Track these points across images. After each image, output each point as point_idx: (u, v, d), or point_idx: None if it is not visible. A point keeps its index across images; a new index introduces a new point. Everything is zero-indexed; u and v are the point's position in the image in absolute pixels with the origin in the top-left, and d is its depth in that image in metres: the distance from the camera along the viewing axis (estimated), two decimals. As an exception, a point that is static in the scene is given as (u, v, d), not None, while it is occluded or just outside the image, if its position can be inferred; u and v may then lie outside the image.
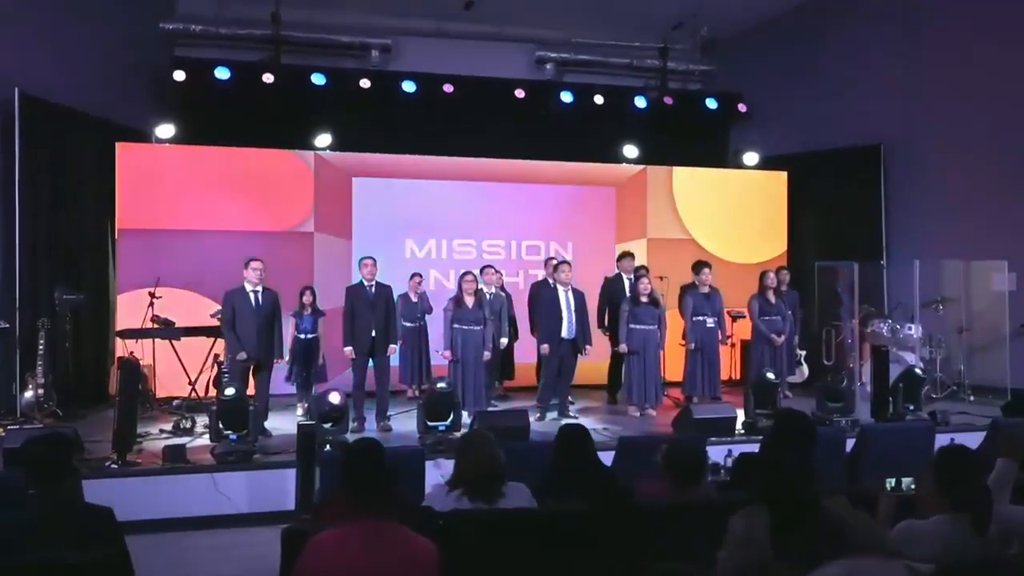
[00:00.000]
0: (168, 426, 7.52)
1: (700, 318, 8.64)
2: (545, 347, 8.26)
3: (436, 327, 8.93)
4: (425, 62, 11.40)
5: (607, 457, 4.90)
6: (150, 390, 8.60)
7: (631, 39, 12.28)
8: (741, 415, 7.45)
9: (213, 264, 8.97)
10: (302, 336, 8.35)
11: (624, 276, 9.12)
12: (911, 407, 7.67)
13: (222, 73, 10.34)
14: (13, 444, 5.48)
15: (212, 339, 8.28)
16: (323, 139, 10.24)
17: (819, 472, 3.67)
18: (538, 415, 8.03)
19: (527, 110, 11.48)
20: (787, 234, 11.52)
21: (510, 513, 3.49)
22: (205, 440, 6.71)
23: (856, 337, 9.70)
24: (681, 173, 11.29)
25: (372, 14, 11.35)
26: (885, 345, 8.35)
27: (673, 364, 9.02)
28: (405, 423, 7.71)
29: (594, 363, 9.06)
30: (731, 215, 11.23)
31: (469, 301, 8.03)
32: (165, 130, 9.72)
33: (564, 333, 8.22)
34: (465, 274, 8.16)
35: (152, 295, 8.35)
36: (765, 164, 11.69)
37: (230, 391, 6.57)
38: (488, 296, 8.38)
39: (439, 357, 8.61)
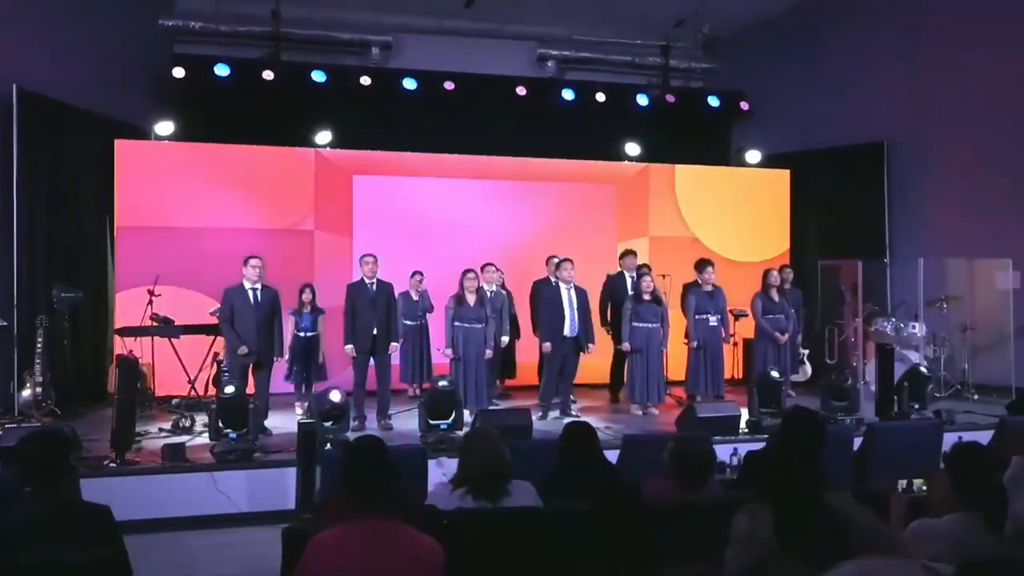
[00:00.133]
0: (167, 425, 7.46)
1: (703, 316, 8.58)
2: (547, 345, 8.20)
3: (438, 325, 8.87)
4: (426, 59, 11.35)
5: (611, 456, 4.84)
6: (149, 388, 8.54)
7: (632, 37, 12.22)
8: (745, 414, 7.39)
9: (213, 262, 8.92)
10: (301, 334, 8.30)
11: (626, 274, 9.07)
12: (916, 406, 7.61)
13: (222, 70, 10.30)
14: (10, 443, 5.41)
15: (211, 337, 8.23)
16: (323, 136, 10.19)
17: (827, 471, 3.63)
18: (540, 414, 7.97)
19: (528, 108, 11.44)
20: (789, 232, 11.47)
21: (515, 512, 3.43)
22: (205, 439, 6.65)
23: (859, 336, 9.64)
24: (683, 171, 11.24)
25: (372, 11, 11.29)
26: (890, 343, 8.30)
27: (676, 363, 8.96)
28: (406, 422, 7.67)
29: (596, 362, 8.99)
30: (733, 213, 11.18)
31: (471, 299, 7.97)
32: (164, 127, 9.67)
33: (566, 331, 8.17)
34: (466, 272, 8.10)
35: (151, 293, 8.30)
36: (767, 162, 11.64)
37: (230, 389, 6.54)
38: (489, 294, 8.32)
39: (440, 356, 8.55)
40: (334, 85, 10.70)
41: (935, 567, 2.42)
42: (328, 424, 6.55)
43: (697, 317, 8.59)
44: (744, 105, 12.08)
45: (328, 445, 5.99)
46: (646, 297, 8.31)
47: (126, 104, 9.72)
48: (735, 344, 9.76)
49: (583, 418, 7.36)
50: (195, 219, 9.51)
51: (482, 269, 8.47)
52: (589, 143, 11.18)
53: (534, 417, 7.12)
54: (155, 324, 8.27)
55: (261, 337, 7.33)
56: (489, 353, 8.04)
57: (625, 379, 8.69)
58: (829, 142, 11.19)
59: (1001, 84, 9.86)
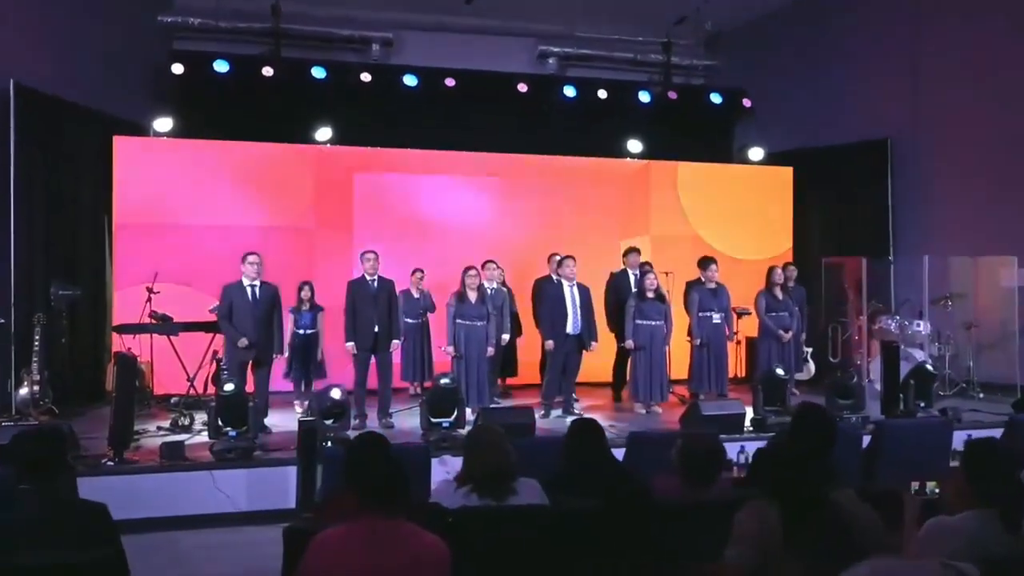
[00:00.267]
0: (166, 423, 7.40)
1: (706, 314, 8.51)
2: (550, 343, 8.13)
3: (439, 323, 8.80)
4: (426, 56, 11.30)
5: (617, 454, 4.77)
6: (148, 387, 8.48)
7: (634, 34, 12.17)
8: (749, 412, 7.32)
9: (212, 259, 8.86)
10: (300, 332, 8.23)
11: (630, 271, 9.00)
12: (922, 404, 7.56)
13: (221, 66, 10.25)
14: (5, 441, 5.34)
15: (211, 335, 8.16)
16: (323, 133, 10.12)
17: (837, 468, 3.58)
18: (542, 412, 7.90)
19: (530, 105, 11.38)
20: (792, 230, 11.40)
21: (521, 510, 3.36)
22: (204, 437, 6.58)
23: (863, 334, 9.58)
24: (685, 168, 11.18)
25: (373, 7, 11.23)
26: (895, 341, 8.24)
27: (679, 361, 8.88)
28: (407, 420, 7.60)
29: (598, 360, 8.93)
30: (736, 211, 11.10)
31: (472, 296, 7.91)
32: (163, 124, 9.59)
33: (569, 329, 8.10)
34: (468, 269, 8.03)
35: (150, 290, 8.22)
36: (770, 159, 11.58)
37: (229, 387, 6.48)
38: (490, 291, 8.25)
39: (441, 354, 8.48)
40: (334, 82, 10.64)
41: (956, 565, 2.36)
42: (329, 422, 6.48)
43: (700, 314, 8.52)
44: (746, 102, 12.02)
45: (329, 443, 5.93)
46: (650, 295, 8.25)
47: (125, 100, 9.66)
48: (738, 343, 9.70)
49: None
50: (194, 216, 9.44)
51: (483, 266, 8.41)
52: (590, 140, 11.10)
53: (536, 416, 7.05)
54: (154, 322, 8.20)
55: (260, 334, 7.28)
56: (491, 351, 7.97)
57: (628, 377, 8.62)
58: (832, 139, 11.12)
59: (1006, 80, 9.78)
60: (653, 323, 8.21)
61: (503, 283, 8.82)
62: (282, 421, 7.46)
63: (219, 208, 9.54)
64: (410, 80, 10.86)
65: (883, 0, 11.00)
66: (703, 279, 8.70)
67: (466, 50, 11.45)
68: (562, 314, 8.09)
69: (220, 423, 6.25)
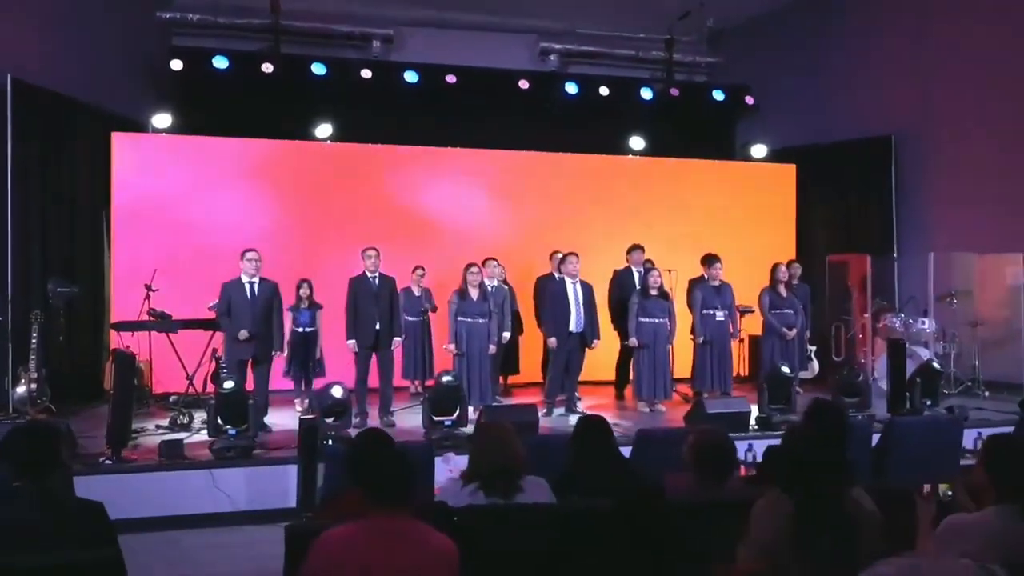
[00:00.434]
0: (165, 422, 7.34)
1: (710, 311, 8.43)
2: (553, 341, 8.05)
3: (439, 321, 8.73)
4: (427, 53, 11.23)
5: (624, 452, 4.70)
6: (147, 385, 8.41)
7: (636, 30, 12.11)
8: (754, 410, 7.25)
9: (211, 256, 8.78)
10: (299, 330, 8.15)
11: (634, 269, 8.93)
12: (928, 402, 7.49)
13: (220, 62, 10.17)
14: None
15: (210, 333, 8.08)
16: (323, 130, 10.05)
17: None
18: (544, 411, 7.82)
19: (531, 102, 11.31)
20: (796, 228, 11.33)
21: (529, 509, 3.29)
22: (203, 436, 6.51)
23: (868, 332, 9.51)
24: (688, 166, 11.09)
25: (373, 4, 11.17)
26: (902, 338, 8.17)
27: (682, 360, 8.81)
28: (409, 419, 7.53)
29: (601, 358, 8.84)
30: (738, 209, 11.02)
31: (474, 293, 7.83)
32: (162, 120, 9.52)
33: (572, 327, 8.02)
34: (469, 266, 7.95)
35: (148, 288, 8.14)
36: (773, 157, 11.51)
37: (228, 384, 6.40)
38: (490, 289, 8.18)
39: (442, 352, 8.40)
40: (334, 78, 10.56)
41: (989, 568, 2.30)
42: (330, 420, 6.40)
43: (704, 312, 8.44)
44: (749, 99, 11.96)
45: (330, 441, 5.85)
46: (653, 292, 8.17)
47: (123, 97, 9.59)
48: (741, 341, 9.62)
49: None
50: (193, 213, 9.35)
51: (483, 264, 8.33)
52: (592, 137, 11.04)
53: (539, 414, 6.98)
54: (152, 319, 8.12)
55: (259, 331, 7.24)
56: (492, 349, 7.90)
57: (631, 376, 8.54)
58: (836, 136, 11.06)
59: (1011, 76, 9.71)
60: (656, 321, 8.14)
61: (504, 281, 8.75)
62: (282, 419, 7.40)
63: (218, 205, 9.46)
64: (411, 77, 10.78)
65: (886, -5, 10.96)
66: (706, 276, 8.62)
67: (467, 47, 11.38)
68: (565, 312, 8.02)
69: (219, 421, 6.18)
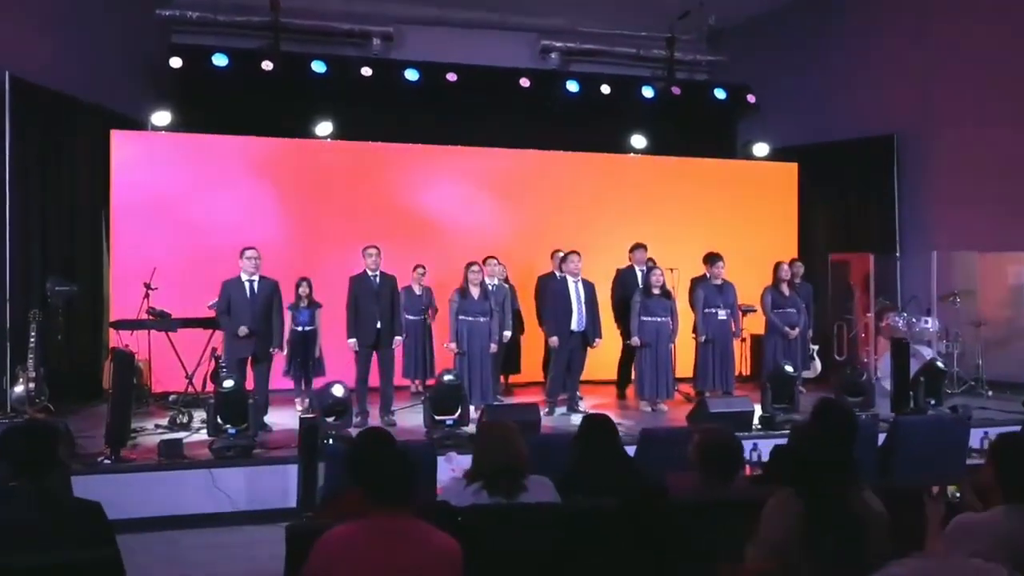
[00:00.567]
0: (164, 421, 7.29)
1: (712, 310, 8.40)
2: (554, 340, 8.01)
3: (442, 320, 8.68)
4: (427, 51, 11.18)
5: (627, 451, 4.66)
6: (146, 384, 8.37)
7: (637, 28, 12.06)
8: (757, 409, 7.21)
9: (211, 255, 8.74)
10: (299, 329, 8.11)
11: (636, 267, 8.89)
12: (932, 401, 7.45)
13: (220, 60, 10.12)
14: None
15: (209, 332, 8.04)
16: (323, 128, 10.01)
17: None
18: (546, 410, 7.78)
19: (532, 100, 11.25)
20: (797, 227, 11.29)
21: (533, 508, 3.25)
22: (202, 435, 6.47)
23: (870, 331, 9.47)
24: (689, 164, 11.06)
25: (373, 1, 11.12)
26: (904, 337, 8.13)
27: (684, 359, 8.77)
28: (410, 418, 7.49)
29: (603, 357, 8.80)
30: (740, 207, 10.98)
31: (475, 292, 7.79)
32: (162, 118, 9.48)
33: (574, 326, 7.98)
34: (470, 264, 7.91)
35: (148, 286, 8.10)
36: (775, 155, 11.48)
37: (228, 383, 6.36)
38: (491, 287, 8.14)
39: (443, 351, 8.36)
40: (334, 76, 10.51)
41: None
42: (330, 419, 6.36)
43: (706, 311, 8.40)
44: (751, 98, 11.91)
45: (330, 441, 5.81)
46: (656, 291, 8.13)
47: (123, 94, 9.54)
48: (743, 340, 9.58)
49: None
50: (193, 211, 9.32)
51: (483, 262, 8.28)
52: (593, 136, 11.00)
53: (541, 413, 6.94)
54: (152, 318, 8.08)
55: (258, 330, 7.20)
56: (494, 347, 7.86)
57: (633, 375, 8.50)
58: (838, 135, 11.02)
59: (1012, 75, 9.68)
60: (659, 320, 8.10)
61: (505, 279, 8.71)
62: (282, 419, 7.36)
63: (218, 203, 9.42)
64: (411, 75, 10.74)
65: (888, -6, 10.92)
66: (708, 275, 8.59)
67: (468, 44, 11.33)
68: (567, 310, 7.97)
69: (219, 420, 6.14)
